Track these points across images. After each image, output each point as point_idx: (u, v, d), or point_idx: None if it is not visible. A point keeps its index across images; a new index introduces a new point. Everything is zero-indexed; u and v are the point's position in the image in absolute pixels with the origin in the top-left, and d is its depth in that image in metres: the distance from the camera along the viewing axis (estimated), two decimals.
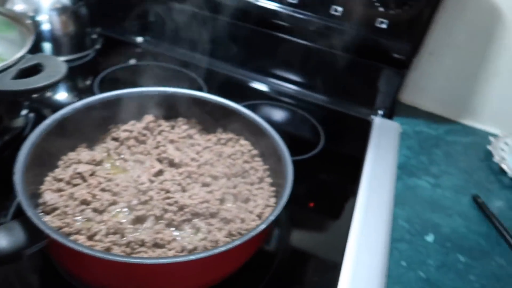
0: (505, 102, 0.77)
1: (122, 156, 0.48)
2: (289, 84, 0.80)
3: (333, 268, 0.45)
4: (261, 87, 0.80)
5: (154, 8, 0.87)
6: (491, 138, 0.75)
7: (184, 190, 0.45)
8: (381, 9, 0.67)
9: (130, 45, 0.85)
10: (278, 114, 0.74)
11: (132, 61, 0.81)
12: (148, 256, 0.36)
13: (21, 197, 0.32)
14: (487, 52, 0.75)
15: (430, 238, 0.53)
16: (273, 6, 0.74)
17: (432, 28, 0.74)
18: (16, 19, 0.56)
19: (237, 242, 0.34)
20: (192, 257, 0.32)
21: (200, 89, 0.72)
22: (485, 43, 0.74)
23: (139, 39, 0.88)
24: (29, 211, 0.31)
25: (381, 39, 0.69)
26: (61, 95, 0.67)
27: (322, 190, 0.59)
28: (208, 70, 0.79)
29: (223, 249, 0.33)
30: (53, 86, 0.44)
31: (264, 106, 0.75)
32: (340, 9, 0.69)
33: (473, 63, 0.76)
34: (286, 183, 0.41)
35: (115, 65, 0.76)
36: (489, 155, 0.71)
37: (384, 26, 0.68)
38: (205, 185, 0.46)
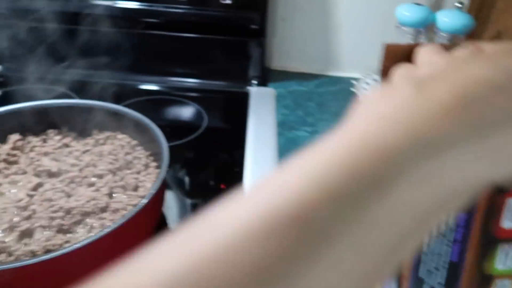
0: (354, 48, 0.87)
1: None
2: (167, 77, 0.81)
3: None
4: (141, 85, 0.80)
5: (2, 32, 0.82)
6: (354, 82, 0.85)
7: (69, 195, 0.45)
8: None
9: None
10: (160, 107, 0.75)
11: None
12: None
13: None
14: (327, 7, 0.84)
15: None
16: (112, 2, 0.75)
17: None
18: None
19: (121, 220, 0.35)
20: (77, 245, 0.33)
21: None
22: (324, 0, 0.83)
23: None
24: None
25: (230, 14, 0.74)
26: None
27: (214, 163, 0.62)
28: (78, 81, 0.77)
29: (107, 230, 0.34)
30: None
31: (147, 103, 0.76)
32: None
33: (319, 20, 0.85)
34: (162, 159, 0.43)
35: None
36: (355, 96, 0.81)
37: (228, 1, 0.73)
38: (91, 185, 0.47)
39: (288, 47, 0.89)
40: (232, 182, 0.57)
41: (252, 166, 0.58)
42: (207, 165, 0.61)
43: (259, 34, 0.79)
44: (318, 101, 0.81)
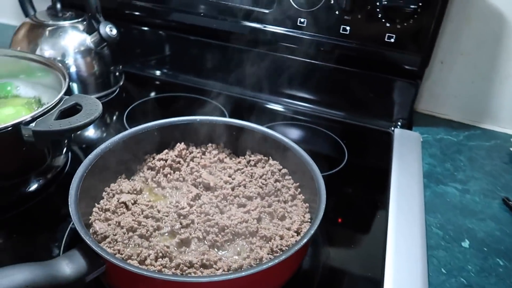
0: None
1: (159, 184, 0.50)
2: (307, 103, 0.82)
3: (375, 283, 0.46)
4: (280, 108, 0.82)
5: (168, 42, 0.91)
6: None
7: (222, 212, 0.46)
8: (388, 24, 0.70)
9: (150, 79, 0.89)
10: (300, 133, 0.76)
11: (153, 94, 0.84)
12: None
13: (79, 227, 0.34)
14: (495, 56, 0.76)
15: (466, 244, 0.54)
16: (283, 30, 0.77)
17: (441, 38, 0.76)
18: (50, 64, 0.60)
19: (282, 257, 0.35)
20: (243, 273, 0.33)
21: (222, 114, 0.75)
22: (493, 47, 0.76)
23: (158, 73, 0.92)
24: (88, 240, 0.33)
25: (392, 53, 0.71)
26: (94, 132, 0.70)
27: (353, 205, 0.59)
28: (226, 95, 0.82)
29: (270, 264, 0.34)
30: (92, 123, 0.47)
31: (286, 126, 0.77)
32: (348, 28, 0.72)
33: (484, 68, 0.78)
34: (319, 198, 0.42)
35: (139, 99, 0.79)
36: None
37: (392, 40, 0.70)
38: (241, 205, 0.48)
39: (440, 91, 0.83)
40: (372, 231, 0.54)
41: (396, 218, 0.54)
42: (348, 206, 0.58)
43: (415, 76, 0.75)
44: (468, 155, 0.73)
